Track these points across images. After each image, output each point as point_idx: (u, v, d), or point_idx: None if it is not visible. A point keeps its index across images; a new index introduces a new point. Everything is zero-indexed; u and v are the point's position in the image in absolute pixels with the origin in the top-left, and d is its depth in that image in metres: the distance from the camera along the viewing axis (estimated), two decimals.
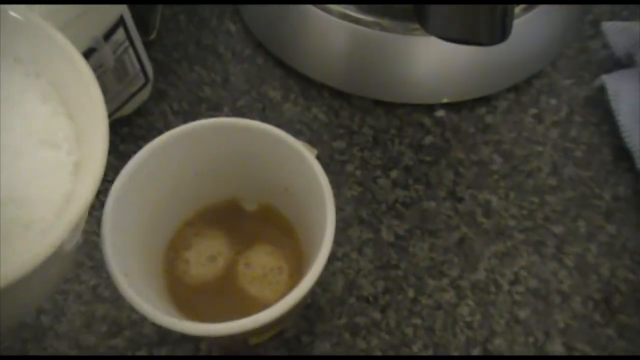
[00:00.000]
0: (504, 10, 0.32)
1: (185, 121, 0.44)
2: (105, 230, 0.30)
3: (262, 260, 0.35)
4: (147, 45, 0.47)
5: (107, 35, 0.38)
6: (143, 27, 0.47)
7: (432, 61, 0.44)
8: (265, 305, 0.32)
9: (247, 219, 0.36)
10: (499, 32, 0.33)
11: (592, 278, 0.40)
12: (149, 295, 0.31)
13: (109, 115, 0.43)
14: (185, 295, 0.34)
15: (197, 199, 0.35)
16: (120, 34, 0.39)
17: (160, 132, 0.44)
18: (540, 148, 0.44)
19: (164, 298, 0.34)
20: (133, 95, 0.43)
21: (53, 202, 0.25)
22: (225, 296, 0.34)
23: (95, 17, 0.37)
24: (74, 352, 0.38)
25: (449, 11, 0.32)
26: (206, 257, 0.35)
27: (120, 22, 0.39)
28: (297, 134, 0.44)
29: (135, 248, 0.32)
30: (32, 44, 0.29)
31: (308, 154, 0.31)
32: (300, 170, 0.32)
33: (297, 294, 0.29)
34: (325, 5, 0.43)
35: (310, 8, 0.43)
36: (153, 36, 0.47)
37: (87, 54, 0.38)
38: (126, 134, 0.44)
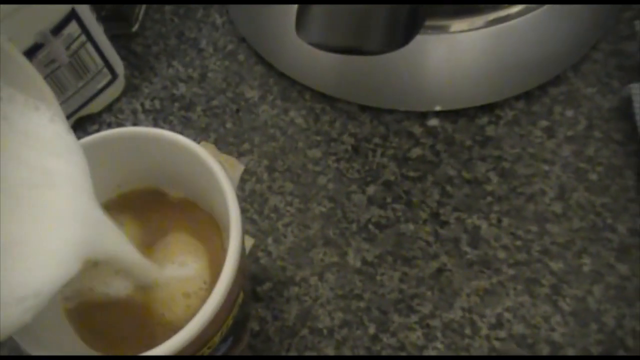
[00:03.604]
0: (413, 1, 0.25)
1: (156, 121, 0.41)
2: None
3: (173, 254, 0.30)
4: (129, 37, 0.44)
5: (56, 30, 0.36)
6: (125, 20, 0.44)
7: (428, 62, 0.38)
8: (172, 326, 0.29)
9: (167, 207, 0.32)
10: (400, 35, 0.26)
11: (592, 327, 0.34)
12: (47, 317, 0.28)
13: (72, 113, 0.40)
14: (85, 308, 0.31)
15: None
16: (73, 27, 0.36)
17: None
18: (547, 167, 0.37)
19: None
20: (99, 91, 0.41)
21: None
22: (129, 312, 0.30)
23: (38, 11, 0.35)
24: None
25: (331, 8, 0.25)
26: None
27: (72, 15, 0.36)
28: (270, 139, 0.40)
29: None
30: None
31: (220, 171, 0.27)
32: (218, 195, 0.28)
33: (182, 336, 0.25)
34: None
35: (297, 5, 0.39)
36: (135, 28, 0.44)
37: (33, 50, 0.35)
38: (93, 133, 0.41)
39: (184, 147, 0.29)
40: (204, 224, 0.31)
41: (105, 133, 0.30)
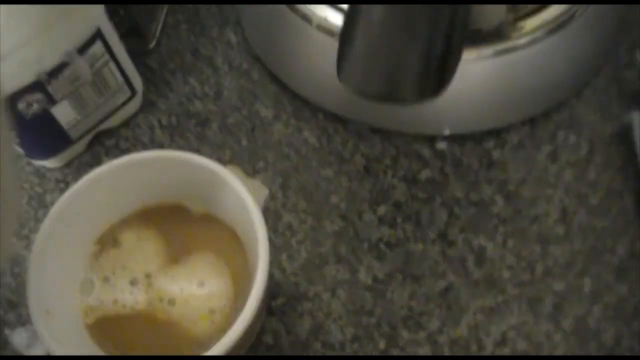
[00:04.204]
0: (443, 54, 0.27)
1: (172, 137, 0.43)
2: (32, 266, 0.29)
3: (197, 272, 0.32)
4: (145, 54, 0.46)
5: (82, 49, 0.37)
6: (142, 36, 0.45)
7: None
8: (196, 340, 0.30)
9: (191, 223, 0.33)
10: (432, 86, 0.28)
11: (592, 345, 0.35)
12: (71, 331, 0.30)
13: (92, 128, 0.42)
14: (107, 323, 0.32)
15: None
16: (97, 47, 0.38)
17: (145, 147, 0.43)
18: (550, 191, 0.39)
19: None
20: (118, 108, 0.42)
21: None
22: (153, 326, 0.31)
23: (66, 31, 0.36)
24: None
25: (369, 58, 0.27)
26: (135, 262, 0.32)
27: (97, 35, 0.37)
28: (284, 158, 0.41)
29: (62, 274, 0.30)
30: None
31: (249, 198, 0.28)
32: (244, 217, 0.29)
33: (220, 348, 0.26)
34: (325, 25, 0.40)
35: (311, 27, 0.40)
36: (152, 45, 0.46)
37: (60, 68, 0.36)
38: (111, 147, 0.42)
39: (213, 171, 0.30)
40: (227, 241, 0.32)
41: (134, 156, 0.31)
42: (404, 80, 0.28)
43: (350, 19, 0.28)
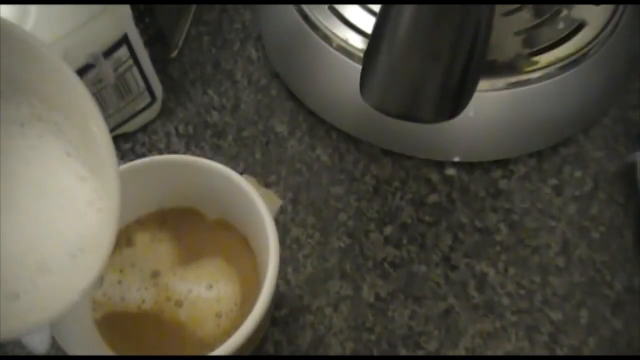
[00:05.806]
0: (462, 78, 0.28)
1: (188, 145, 0.44)
2: None
3: (207, 276, 0.32)
4: (166, 62, 0.47)
5: (108, 53, 0.38)
6: (165, 45, 0.46)
7: None
8: (202, 342, 0.30)
9: (205, 228, 0.34)
10: (449, 107, 0.29)
11: None
12: (80, 325, 0.30)
13: (110, 131, 0.43)
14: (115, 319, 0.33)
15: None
16: (123, 52, 0.39)
17: (161, 153, 0.44)
18: (553, 223, 0.40)
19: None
20: (137, 112, 0.43)
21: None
22: (160, 325, 0.32)
23: (94, 34, 0.37)
24: None
25: (390, 77, 0.28)
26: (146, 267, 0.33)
27: (124, 40, 0.38)
28: (295, 173, 0.42)
29: None
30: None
31: (262, 206, 0.29)
32: (257, 226, 0.30)
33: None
34: (345, 47, 0.41)
35: (330, 48, 0.42)
36: (174, 54, 0.47)
37: (85, 69, 0.37)
38: (127, 151, 0.43)
39: (229, 178, 0.31)
40: (238, 248, 0.33)
41: (154, 158, 0.32)
42: (423, 100, 0.29)
43: (375, 39, 0.29)
